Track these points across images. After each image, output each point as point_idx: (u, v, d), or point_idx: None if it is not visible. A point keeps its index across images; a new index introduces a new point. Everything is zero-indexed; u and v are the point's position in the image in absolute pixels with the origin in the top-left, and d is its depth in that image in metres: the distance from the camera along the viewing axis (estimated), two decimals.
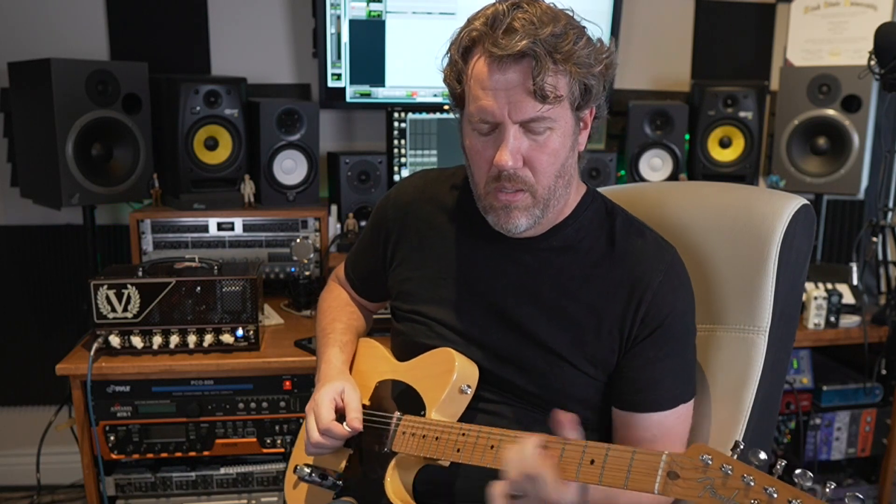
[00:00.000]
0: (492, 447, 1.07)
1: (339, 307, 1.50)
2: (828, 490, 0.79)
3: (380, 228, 1.39)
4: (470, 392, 1.21)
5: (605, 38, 1.17)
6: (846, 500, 0.78)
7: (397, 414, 1.24)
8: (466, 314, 1.25)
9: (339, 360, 1.36)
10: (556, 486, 0.95)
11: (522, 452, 0.99)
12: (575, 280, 1.20)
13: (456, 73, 1.15)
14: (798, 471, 0.79)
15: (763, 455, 0.82)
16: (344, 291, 1.54)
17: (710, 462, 0.84)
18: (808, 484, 0.79)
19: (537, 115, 1.08)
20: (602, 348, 1.18)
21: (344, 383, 1.28)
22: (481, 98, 1.10)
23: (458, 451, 1.11)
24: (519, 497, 0.99)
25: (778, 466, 0.82)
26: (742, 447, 0.84)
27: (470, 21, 1.13)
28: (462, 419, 1.21)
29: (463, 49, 1.13)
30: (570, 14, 1.14)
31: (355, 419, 1.23)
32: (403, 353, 1.33)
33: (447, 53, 1.17)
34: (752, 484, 0.80)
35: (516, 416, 1.21)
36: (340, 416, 1.26)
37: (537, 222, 1.17)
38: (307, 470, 1.29)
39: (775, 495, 0.78)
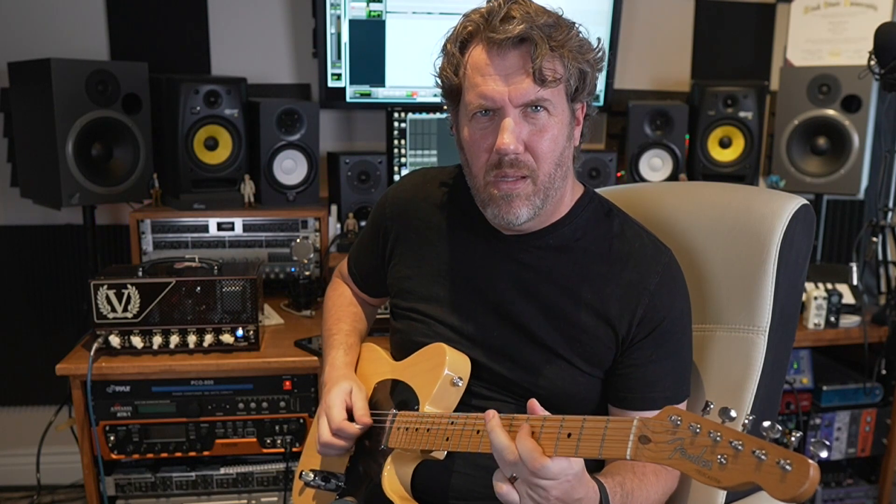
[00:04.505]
0: (478, 432, 1.08)
1: (343, 306, 1.51)
2: (793, 439, 0.79)
3: (379, 226, 1.40)
4: (462, 384, 1.22)
5: (605, 39, 1.20)
6: (811, 448, 0.78)
7: (393, 411, 1.25)
8: (464, 312, 1.26)
9: (343, 363, 1.37)
10: (539, 465, 0.95)
11: (497, 443, 0.99)
12: (572, 279, 1.21)
13: (453, 66, 1.17)
14: (766, 423, 0.79)
15: (733, 413, 0.82)
16: (347, 289, 1.55)
17: (679, 422, 0.84)
18: (777, 436, 0.79)
19: (537, 97, 1.11)
20: (598, 347, 1.19)
21: (351, 383, 1.30)
22: (480, 84, 1.12)
23: (448, 439, 1.12)
24: (516, 478, 1.00)
25: (745, 422, 0.82)
26: (712, 406, 0.85)
27: (467, 16, 1.17)
28: None
29: (461, 42, 1.16)
30: (561, 13, 1.19)
31: (364, 415, 1.25)
32: (401, 351, 1.33)
33: (443, 48, 1.20)
34: (719, 439, 0.80)
35: (512, 413, 1.21)
36: (350, 416, 1.27)
37: (537, 213, 1.18)
38: (311, 475, 1.31)
39: (740, 448, 0.78)
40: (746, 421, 0.82)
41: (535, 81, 1.10)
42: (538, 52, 1.09)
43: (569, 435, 0.95)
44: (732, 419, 0.82)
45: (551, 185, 1.17)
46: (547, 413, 1.01)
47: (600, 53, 1.19)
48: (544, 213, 1.20)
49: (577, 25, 1.17)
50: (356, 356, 1.42)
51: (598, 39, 1.21)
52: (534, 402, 1.02)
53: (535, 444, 0.97)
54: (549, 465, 0.95)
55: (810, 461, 0.74)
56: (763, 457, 0.77)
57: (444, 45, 1.19)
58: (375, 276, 1.44)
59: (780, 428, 0.80)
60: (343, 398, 1.27)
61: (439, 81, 1.21)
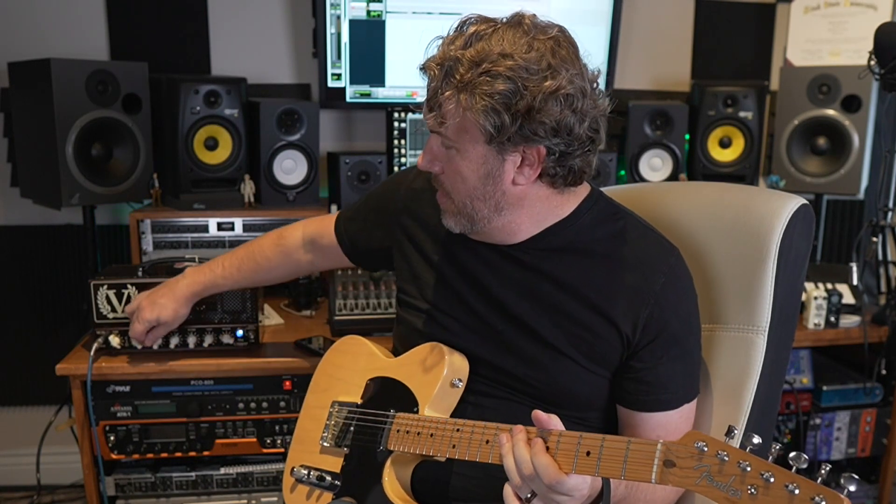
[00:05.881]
0: (487, 442, 1.08)
1: (253, 250, 1.63)
2: (823, 472, 0.79)
3: (388, 209, 1.41)
4: (461, 385, 1.22)
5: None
6: (842, 481, 0.78)
7: (391, 412, 1.25)
8: (469, 307, 1.26)
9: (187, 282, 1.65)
10: (555, 479, 0.96)
11: (515, 457, 1.00)
12: (574, 280, 1.20)
13: None
14: (793, 454, 0.79)
15: (757, 439, 0.82)
16: (288, 241, 1.59)
17: (705, 449, 0.84)
18: (804, 466, 0.79)
19: (435, 130, 1.14)
20: (604, 347, 1.18)
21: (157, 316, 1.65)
22: None
23: (454, 447, 1.12)
24: (532, 497, 1.00)
25: (773, 450, 0.82)
26: (736, 432, 0.85)
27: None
28: (456, 413, 1.22)
29: None
30: (549, 44, 1.08)
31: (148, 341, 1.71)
32: (405, 341, 1.34)
33: None
34: (749, 469, 0.80)
35: (512, 411, 1.21)
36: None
37: (467, 230, 1.21)
38: (304, 471, 1.30)
39: (772, 479, 0.78)
40: (774, 450, 0.82)
41: (431, 113, 1.14)
42: (433, 87, 1.11)
43: (588, 453, 0.95)
44: (756, 445, 0.82)
45: (474, 214, 1.18)
46: (560, 426, 1.01)
47: (546, 104, 1.06)
48: (534, 221, 1.20)
49: (523, 70, 1.04)
50: (204, 280, 1.63)
51: (565, 95, 1.07)
52: (538, 413, 1.02)
53: (552, 460, 0.97)
54: (566, 480, 0.96)
55: (843, 497, 0.75)
56: (796, 491, 0.76)
57: None
58: (374, 254, 1.46)
59: (807, 458, 0.80)
60: (155, 321, 1.63)
61: None
